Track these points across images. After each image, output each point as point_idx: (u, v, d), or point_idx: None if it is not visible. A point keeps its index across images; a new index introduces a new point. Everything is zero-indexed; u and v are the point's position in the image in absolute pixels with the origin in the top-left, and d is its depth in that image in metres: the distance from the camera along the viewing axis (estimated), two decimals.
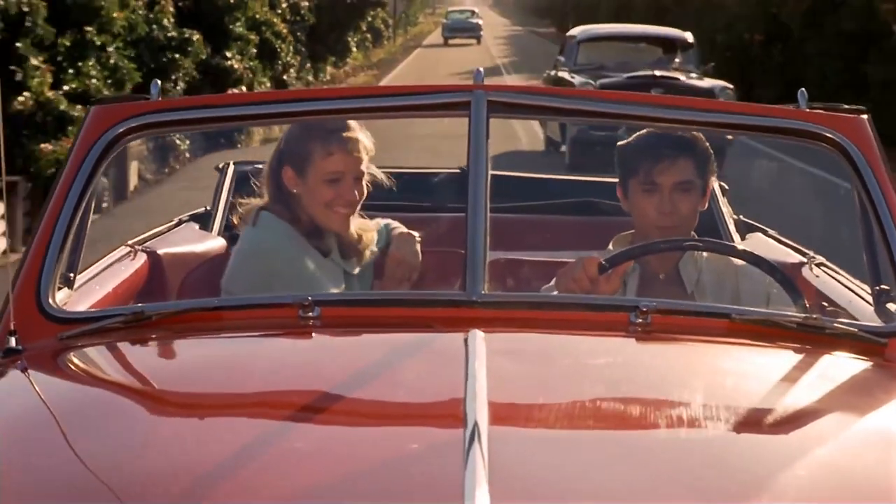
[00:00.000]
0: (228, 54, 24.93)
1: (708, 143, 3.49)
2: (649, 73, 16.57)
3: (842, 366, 2.67)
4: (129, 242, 3.81)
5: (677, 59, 18.69)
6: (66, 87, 16.68)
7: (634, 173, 3.43)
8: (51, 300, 2.80)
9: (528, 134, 21.01)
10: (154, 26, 20.57)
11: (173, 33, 21.34)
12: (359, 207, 3.52)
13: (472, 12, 71.16)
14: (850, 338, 2.74)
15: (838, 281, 3.58)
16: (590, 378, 2.45)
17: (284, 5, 31.83)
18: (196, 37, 21.93)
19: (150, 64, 20.02)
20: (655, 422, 2.27)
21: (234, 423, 2.25)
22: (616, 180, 3.58)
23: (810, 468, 2.10)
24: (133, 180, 18.13)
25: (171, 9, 21.47)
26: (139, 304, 2.93)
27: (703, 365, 2.64)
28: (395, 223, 3.74)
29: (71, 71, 17.09)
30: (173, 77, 21.09)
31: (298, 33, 33.59)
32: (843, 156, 2.95)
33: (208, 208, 4.58)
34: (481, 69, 3.01)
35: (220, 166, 4.79)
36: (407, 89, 3.11)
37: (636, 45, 20.13)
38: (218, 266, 3.58)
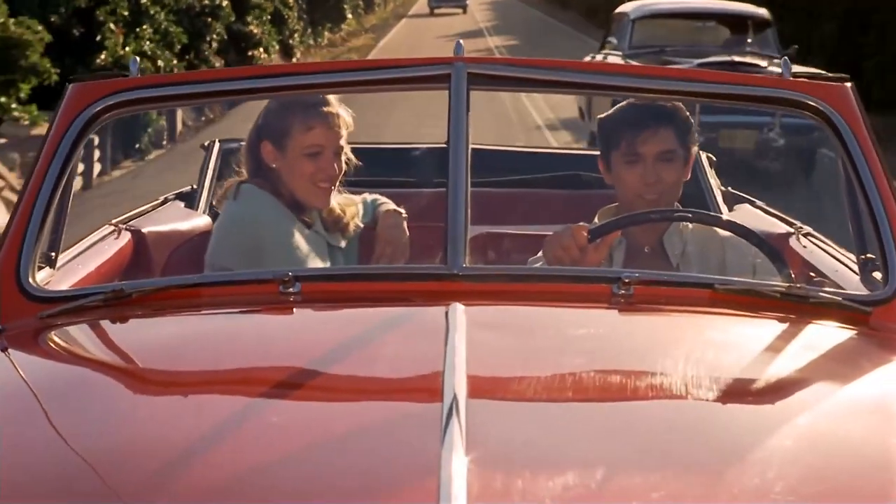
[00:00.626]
0: (249, 20, 28.90)
1: (688, 114, 3.49)
2: (726, 59, 13.41)
3: (826, 335, 2.66)
4: (113, 221, 3.79)
5: (749, 40, 15.18)
6: (127, 49, 20.63)
7: (616, 145, 3.42)
8: (31, 279, 2.80)
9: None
10: None
11: (206, 1, 25.41)
12: (338, 183, 3.51)
13: None
14: (834, 307, 2.73)
15: (825, 251, 3.57)
16: (571, 350, 2.44)
17: None
18: (225, 3, 26.03)
19: (189, 28, 24.06)
20: (637, 393, 2.27)
21: (213, 400, 2.28)
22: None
23: (794, 437, 2.10)
24: (179, 126, 22.04)
25: None
26: (119, 282, 2.94)
27: (686, 335, 2.63)
28: (382, 198, 3.73)
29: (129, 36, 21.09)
30: (208, 39, 25.13)
31: (300, 1, 37.49)
32: (827, 124, 2.94)
33: (194, 187, 4.56)
34: (461, 42, 3.00)
35: (206, 144, 4.76)
36: (387, 63, 3.09)
37: (702, 24, 16.44)
38: (203, 244, 3.57)
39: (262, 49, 28.89)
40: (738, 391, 2.33)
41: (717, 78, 3.14)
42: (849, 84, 3.01)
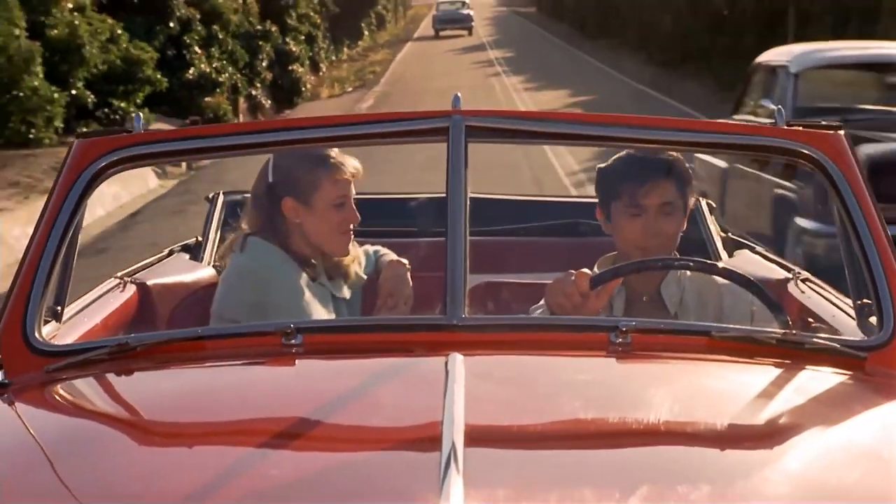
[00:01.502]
0: (288, 40, 34.82)
1: (687, 165, 3.48)
2: None
3: (822, 380, 2.69)
4: (118, 274, 3.84)
5: None
6: (202, 66, 26.49)
7: (617, 196, 3.43)
8: (37, 333, 2.84)
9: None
10: (247, 21, 30.56)
11: (258, 26, 31.36)
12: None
13: (463, 2, 67.83)
14: (830, 353, 2.76)
15: (822, 296, 3.60)
16: (569, 399, 2.46)
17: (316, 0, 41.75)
18: (273, 28, 32.02)
19: (246, 48, 30.01)
20: (634, 440, 2.28)
21: (216, 452, 2.30)
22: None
23: (790, 482, 2.12)
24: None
25: (256, 8, 31.52)
26: (124, 336, 2.97)
27: (683, 383, 2.66)
28: (383, 250, 3.79)
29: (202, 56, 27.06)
30: (260, 57, 31.09)
31: (325, 21, 43.54)
32: (821, 171, 2.98)
33: (199, 238, 4.60)
34: (459, 94, 3.02)
35: (210, 196, 4.82)
36: (385, 116, 3.12)
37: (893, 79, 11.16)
38: (208, 296, 3.61)
39: (298, 63, 34.81)
40: (734, 436, 2.34)
41: (712, 127, 3.18)
42: (841, 132, 3.05)
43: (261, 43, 31.52)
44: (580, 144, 3.23)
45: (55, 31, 20.22)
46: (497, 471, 2.07)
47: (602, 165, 3.54)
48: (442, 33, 62.34)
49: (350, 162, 3.56)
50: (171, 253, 4.46)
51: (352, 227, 3.57)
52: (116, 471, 2.19)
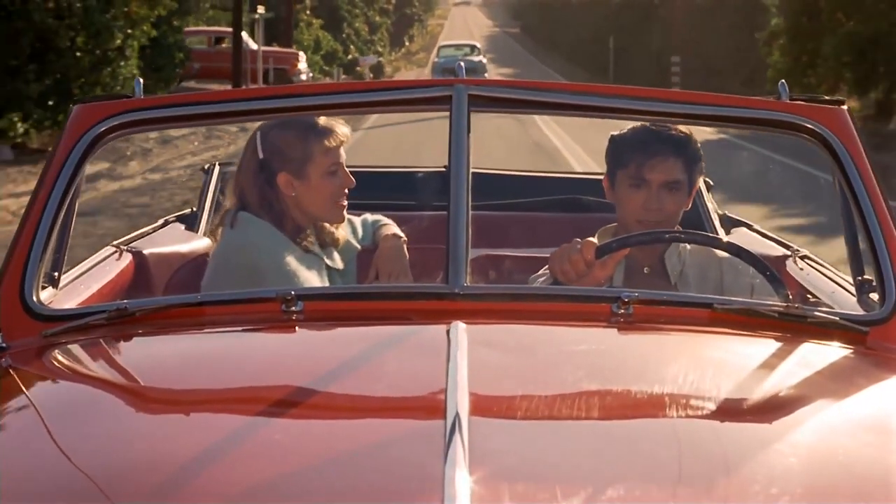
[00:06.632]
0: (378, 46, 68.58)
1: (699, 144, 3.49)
2: None
3: (824, 354, 2.69)
4: (115, 242, 3.85)
5: None
6: (354, 54, 59.24)
7: (624, 166, 3.45)
8: (35, 298, 2.83)
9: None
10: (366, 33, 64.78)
11: (369, 37, 64.92)
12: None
13: (472, 47, 59.89)
14: (831, 326, 2.76)
15: (822, 273, 3.62)
16: (571, 368, 2.46)
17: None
18: (376, 37, 65.61)
19: (365, 48, 63.15)
20: (637, 411, 2.28)
21: (217, 417, 2.29)
22: (601, 177, 3.60)
23: (792, 454, 2.11)
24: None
25: (367, 27, 65.31)
26: (122, 301, 2.92)
27: (684, 354, 2.66)
28: (383, 220, 3.80)
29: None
30: (371, 51, 64.24)
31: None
32: (825, 146, 2.98)
33: (194, 209, 4.64)
34: (462, 64, 3.07)
35: (206, 167, 4.86)
36: (389, 84, 3.14)
37: None
38: (203, 266, 3.62)
39: (382, 58, 67.25)
40: (736, 408, 2.34)
41: (716, 100, 3.12)
42: (845, 107, 3.05)
43: (370, 45, 64.37)
44: (582, 115, 3.14)
45: (313, 37, 52.11)
46: (501, 439, 2.06)
47: (615, 133, 3.56)
48: None
49: (339, 128, 3.55)
50: (166, 223, 4.50)
51: (346, 191, 3.57)
52: (114, 435, 2.18)
